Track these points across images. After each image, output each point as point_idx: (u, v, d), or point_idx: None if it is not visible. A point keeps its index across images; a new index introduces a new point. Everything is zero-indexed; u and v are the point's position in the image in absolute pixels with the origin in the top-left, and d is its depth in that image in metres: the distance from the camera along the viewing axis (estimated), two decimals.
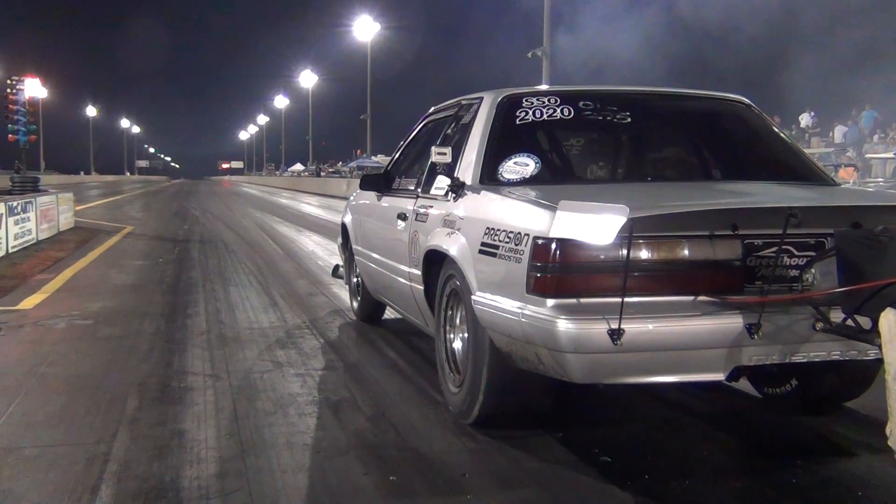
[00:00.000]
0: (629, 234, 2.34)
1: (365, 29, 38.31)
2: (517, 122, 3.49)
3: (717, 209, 2.58)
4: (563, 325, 2.45)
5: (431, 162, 3.62)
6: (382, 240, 4.52)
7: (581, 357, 2.47)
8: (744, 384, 3.66)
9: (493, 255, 2.88)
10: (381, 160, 46.55)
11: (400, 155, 4.85)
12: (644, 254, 2.52)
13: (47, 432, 3.37)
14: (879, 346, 2.27)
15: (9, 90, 25.14)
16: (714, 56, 39.16)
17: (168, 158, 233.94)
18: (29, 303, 6.48)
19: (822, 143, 20.50)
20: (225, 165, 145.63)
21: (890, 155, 17.02)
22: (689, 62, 42.70)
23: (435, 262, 3.54)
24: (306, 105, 59.63)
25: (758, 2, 33.40)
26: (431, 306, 3.65)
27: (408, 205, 4.01)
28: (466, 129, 3.64)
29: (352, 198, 5.81)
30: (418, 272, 3.73)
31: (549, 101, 3.56)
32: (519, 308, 2.66)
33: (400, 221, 4.08)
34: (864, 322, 2.41)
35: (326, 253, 10.20)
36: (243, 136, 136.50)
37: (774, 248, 2.53)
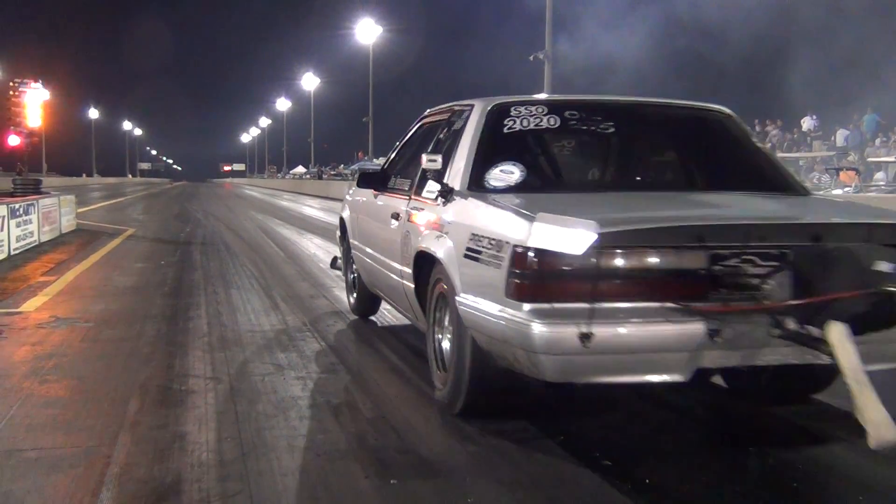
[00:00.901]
0: (599, 247, 2.55)
1: (367, 32, 38.35)
2: (505, 131, 3.65)
3: (683, 225, 2.74)
4: (538, 328, 2.64)
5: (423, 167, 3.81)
6: (377, 237, 4.71)
7: (553, 358, 2.66)
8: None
9: (477, 259, 3.05)
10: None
11: (396, 155, 5.03)
12: (614, 264, 2.69)
13: (48, 435, 3.37)
14: (830, 354, 2.46)
15: (11, 93, 25.19)
16: (715, 57, 39.18)
17: (170, 161, 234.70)
18: (31, 305, 6.49)
19: (823, 146, 20.49)
20: (227, 168, 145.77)
21: (892, 159, 17.02)
22: (690, 64, 42.73)
23: (425, 263, 3.68)
24: (308, 107, 59.76)
25: (759, 0, 33.45)
26: (421, 303, 3.82)
27: (401, 205, 4.17)
28: (458, 135, 3.79)
29: (349, 194, 5.97)
30: (409, 270, 3.90)
31: (536, 110, 3.71)
32: (498, 311, 2.84)
33: (393, 220, 4.24)
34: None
35: (328, 255, 10.17)
36: (245, 138, 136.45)
37: (736, 260, 2.69)
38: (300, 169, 69.54)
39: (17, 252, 10.14)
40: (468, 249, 3.13)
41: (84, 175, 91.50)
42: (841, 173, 15.12)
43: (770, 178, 3.70)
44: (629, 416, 3.65)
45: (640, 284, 2.69)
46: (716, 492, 2.80)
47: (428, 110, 4.74)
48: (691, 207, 3.27)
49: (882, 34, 25.44)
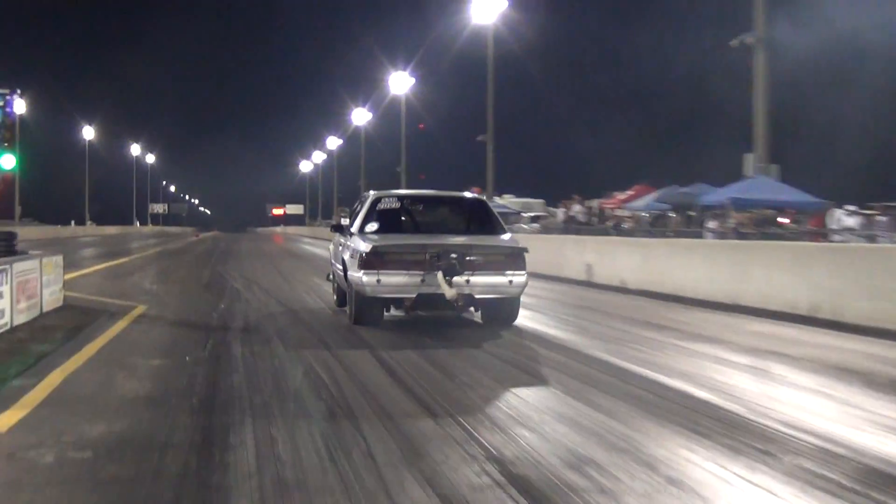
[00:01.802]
0: (374, 252, 12.88)
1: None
2: (377, 207, 14.80)
3: (417, 243, 13.26)
4: (365, 277, 12.80)
5: (343, 222, 16.94)
6: (335, 255, 16.44)
7: (369, 287, 12.80)
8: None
9: (353, 256, 13.53)
10: (508, 202, 46.89)
11: (351, 214, 16.30)
12: (388, 257, 12.94)
13: None
14: (441, 285, 12.64)
15: None
16: None
17: (195, 200, 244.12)
18: (2, 423, 6.71)
19: None
20: (278, 211, 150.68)
21: None
22: None
23: (343, 261, 14.76)
24: (393, 127, 62.14)
25: None
26: (345, 279, 14.54)
27: (342, 239, 15.44)
28: (361, 206, 15.41)
29: (333, 237, 17.43)
30: (340, 266, 15.15)
31: (391, 199, 15.15)
32: (357, 275, 12.98)
33: (340, 245, 15.62)
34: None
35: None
36: (305, 166, 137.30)
37: (436, 256, 12.84)
38: None
39: None
40: (350, 254, 13.77)
41: (73, 222, 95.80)
42: None
43: (485, 225, 14.60)
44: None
45: (398, 263, 12.86)
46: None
47: (362, 193, 18.08)
48: (434, 238, 13.45)
49: None
